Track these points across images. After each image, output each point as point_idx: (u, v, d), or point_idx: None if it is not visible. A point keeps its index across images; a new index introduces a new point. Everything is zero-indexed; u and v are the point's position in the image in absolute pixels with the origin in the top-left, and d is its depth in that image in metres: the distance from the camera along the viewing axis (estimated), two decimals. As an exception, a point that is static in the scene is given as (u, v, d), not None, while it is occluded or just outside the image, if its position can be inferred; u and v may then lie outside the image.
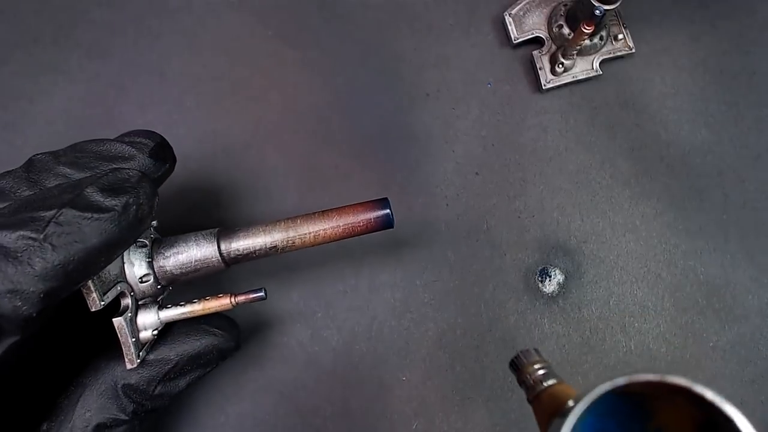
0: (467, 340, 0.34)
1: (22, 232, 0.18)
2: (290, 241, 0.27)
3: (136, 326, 0.25)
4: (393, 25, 0.38)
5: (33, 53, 0.37)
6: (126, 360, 0.24)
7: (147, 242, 0.25)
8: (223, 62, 0.37)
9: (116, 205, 0.20)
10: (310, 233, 0.27)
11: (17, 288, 0.18)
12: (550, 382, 0.21)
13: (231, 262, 0.26)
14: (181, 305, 0.26)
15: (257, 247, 0.26)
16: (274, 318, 0.34)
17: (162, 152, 0.24)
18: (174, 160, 0.26)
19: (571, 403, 0.17)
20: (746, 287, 0.35)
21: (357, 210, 0.27)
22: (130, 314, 0.24)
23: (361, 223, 0.27)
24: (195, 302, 0.26)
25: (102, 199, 0.20)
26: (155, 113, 0.36)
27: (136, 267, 0.25)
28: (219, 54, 0.37)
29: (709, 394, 0.16)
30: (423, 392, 0.33)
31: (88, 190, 0.20)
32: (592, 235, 0.36)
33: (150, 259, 0.25)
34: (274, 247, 0.27)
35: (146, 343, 0.25)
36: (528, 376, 0.22)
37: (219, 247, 0.26)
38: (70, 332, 0.26)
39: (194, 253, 0.26)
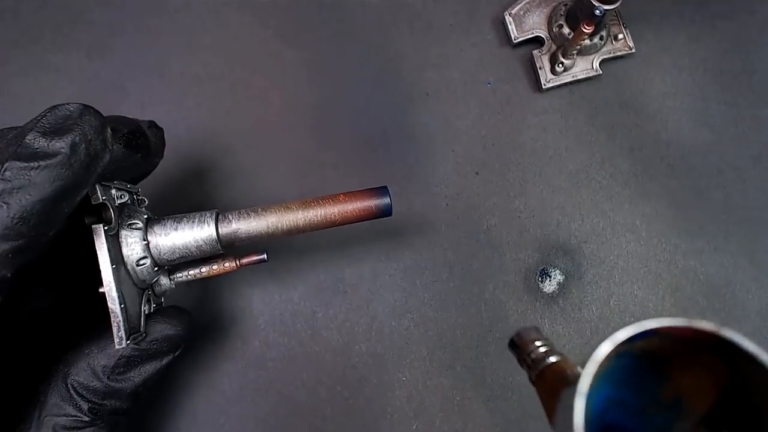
0: (467, 340, 0.34)
1: None
2: (287, 227, 0.26)
3: (155, 297, 0.27)
4: (393, 25, 0.38)
5: (33, 53, 0.37)
6: (115, 338, 0.23)
7: (141, 223, 0.25)
8: (223, 62, 0.37)
9: (62, 148, 0.19)
10: (307, 220, 0.26)
11: None
12: (553, 359, 0.19)
13: (228, 245, 0.26)
14: (189, 271, 0.27)
15: (255, 232, 0.26)
16: (275, 318, 0.34)
17: (134, 141, 0.23)
18: (148, 150, 0.24)
19: (579, 369, 0.15)
20: (746, 287, 0.35)
21: (356, 198, 0.27)
22: (149, 292, 0.26)
23: (360, 212, 0.27)
24: (202, 266, 0.27)
25: (46, 144, 0.19)
26: (155, 113, 0.36)
27: (132, 247, 0.25)
28: (219, 54, 0.37)
29: (745, 343, 0.14)
30: (423, 392, 0.33)
31: (29, 138, 0.19)
32: (592, 235, 0.36)
33: (146, 241, 0.25)
34: (271, 231, 0.26)
35: (135, 326, 0.25)
36: (529, 355, 0.20)
37: (218, 233, 0.26)
38: (56, 322, 0.26)
39: (191, 235, 0.25)
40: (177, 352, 0.26)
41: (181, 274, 0.27)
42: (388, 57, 0.38)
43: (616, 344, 0.15)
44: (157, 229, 0.25)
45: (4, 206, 0.18)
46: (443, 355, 0.34)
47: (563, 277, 0.35)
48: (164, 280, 0.27)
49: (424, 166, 0.36)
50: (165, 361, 0.25)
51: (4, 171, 0.18)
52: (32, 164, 0.19)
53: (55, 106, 0.20)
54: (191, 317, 0.27)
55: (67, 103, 0.20)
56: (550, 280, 0.35)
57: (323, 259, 0.35)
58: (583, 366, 0.15)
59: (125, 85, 0.37)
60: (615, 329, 0.37)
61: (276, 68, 0.37)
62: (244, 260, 0.28)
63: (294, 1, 0.38)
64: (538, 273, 0.35)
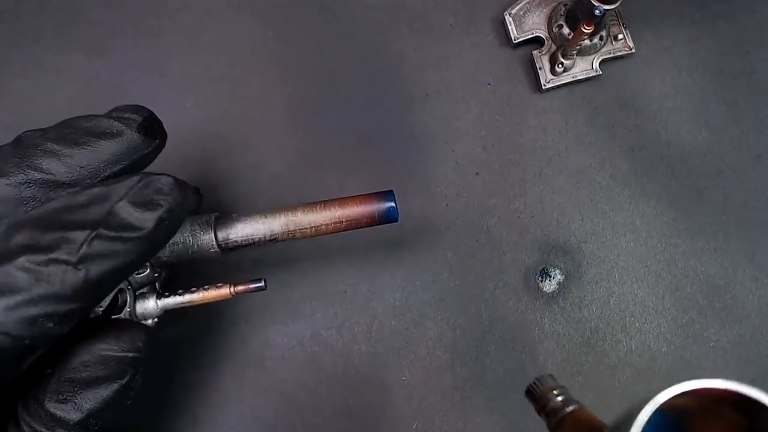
0: (467, 340, 0.34)
1: (53, 255, 0.18)
2: (290, 234, 0.25)
3: (136, 318, 0.25)
4: (393, 25, 0.38)
5: (33, 53, 0.37)
6: None
7: None
8: (223, 62, 0.37)
9: (149, 221, 0.20)
10: (310, 226, 0.25)
11: (51, 311, 0.18)
12: (572, 407, 0.21)
13: (227, 250, 0.26)
14: (179, 294, 0.25)
15: (256, 238, 0.25)
16: (275, 318, 0.34)
17: (150, 127, 0.23)
18: (164, 135, 0.25)
19: (606, 427, 0.16)
20: (746, 287, 0.35)
21: (360, 202, 0.26)
22: (128, 309, 0.24)
23: (364, 218, 0.26)
24: (194, 291, 0.25)
25: (135, 215, 0.19)
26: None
27: None
28: (219, 54, 0.37)
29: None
30: (423, 392, 0.33)
31: (120, 206, 0.19)
32: (592, 235, 0.36)
33: None
34: (274, 238, 0.25)
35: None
36: (548, 403, 0.21)
37: (216, 236, 0.25)
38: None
39: (190, 242, 0.25)
40: (125, 380, 0.22)
41: (169, 299, 0.25)
42: (388, 57, 0.38)
43: (657, 406, 0.15)
44: None
45: (83, 271, 0.18)
46: (443, 355, 0.34)
47: (563, 277, 0.35)
48: (150, 303, 0.25)
49: (424, 167, 0.36)
50: (112, 388, 0.21)
51: (93, 239, 0.19)
52: (120, 235, 0.19)
53: (149, 178, 0.21)
54: (149, 334, 0.23)
55: (160, 176, 0.21)
56: (550, 280, 0.35)
57: (323, 258, 0.35)
58: (611, 425, 0.16)
59: (125, 85, 0.37)
60: (615, 329, 0.37)
61: (276, 68, 0.37)
62: (240, 287, 0.26)
63: (294, 1, 0.38)
64: (538, 273, 0.35)
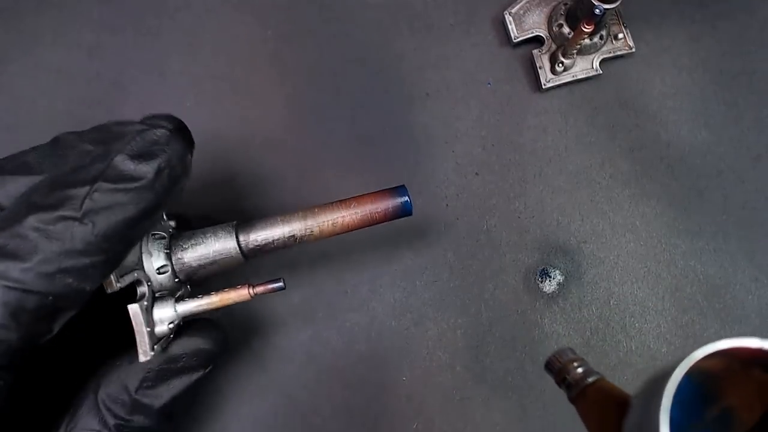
0: (467, 340, 0.34)
1: (60, 213, 0.19)
2: (308, 231, 0.26)
3: (152, 318, 0.24)
4: (393, 25, 0.38)
5: (33, 53, 0.37)
6: (139, 351, 0.23)
7: (165, 234, 0.25)
8: (223, 62, 0.37)
9: (148, 172, 0.20)
10: (328, 222, 0.26)
11: (65, 266, 0.18)
12: (593, 378, 0.21)
13: (250, 254, 0.26)
14: (198, 298, 0.26)
15: (276, 238, 0.26)
16: (275, 318, 0.34)
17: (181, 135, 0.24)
18: (192, 143, 0.25)
19: (634, 398, 0.17)
20: (746, 287, 0.35)
21: (375, 198, 0.27)
22: (146, 303, 0.24)
23: (380, 212, 0.27)
24: (213, 294, 0.26)
25: (133, 167, 0.20)
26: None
27: (153, 258, 0.24)
28: (219, 54, 0.37)
29: None
30: (423, 392, 0.33)
31: (118, 159, 0.20)
32: (592, 235, 0.36)
33: (168, 251, 0.25)
34: (293, 237, 0.26)
35: (162, 337, 0.25)
36: (568, 375, 0.22)
37: (238, 238, 0.26)
38: (87, 327, 0.26)
39: (213, 245, 0.25)
40: (207, 369, 0.25)
41: (189, 304, 0.25)
42: (388, 57, 0.38)
43: (692, 364, 0.15)
44: (180, 240, 0.26)
45: (90, 224, 0.19)
46: (443, 355, 0.34)
47: (563, 277, 0.35)
48: (169, 307, 0.25)
49: (424, 167, 0.36)
50: (194, 377, 0.24)
51: (93, 192, 0.19)
52: (119, 186, 0.20)
53: (144, 131, 0.21)
54: (225, 334, 0.26)
55: (157, 129, 0.21)
56: (550, 280, 0.35)
57: (324, 259, 0.35)
58: (639, 388, 0.16)
59: (125, 84, 0.37)
60: (615, 329, 0.37)
61: (276, 68, 0.37)
62: (259, 288, 0.26)
63: (294, 1, 0.38)
64: (538, 273, 0.35)
